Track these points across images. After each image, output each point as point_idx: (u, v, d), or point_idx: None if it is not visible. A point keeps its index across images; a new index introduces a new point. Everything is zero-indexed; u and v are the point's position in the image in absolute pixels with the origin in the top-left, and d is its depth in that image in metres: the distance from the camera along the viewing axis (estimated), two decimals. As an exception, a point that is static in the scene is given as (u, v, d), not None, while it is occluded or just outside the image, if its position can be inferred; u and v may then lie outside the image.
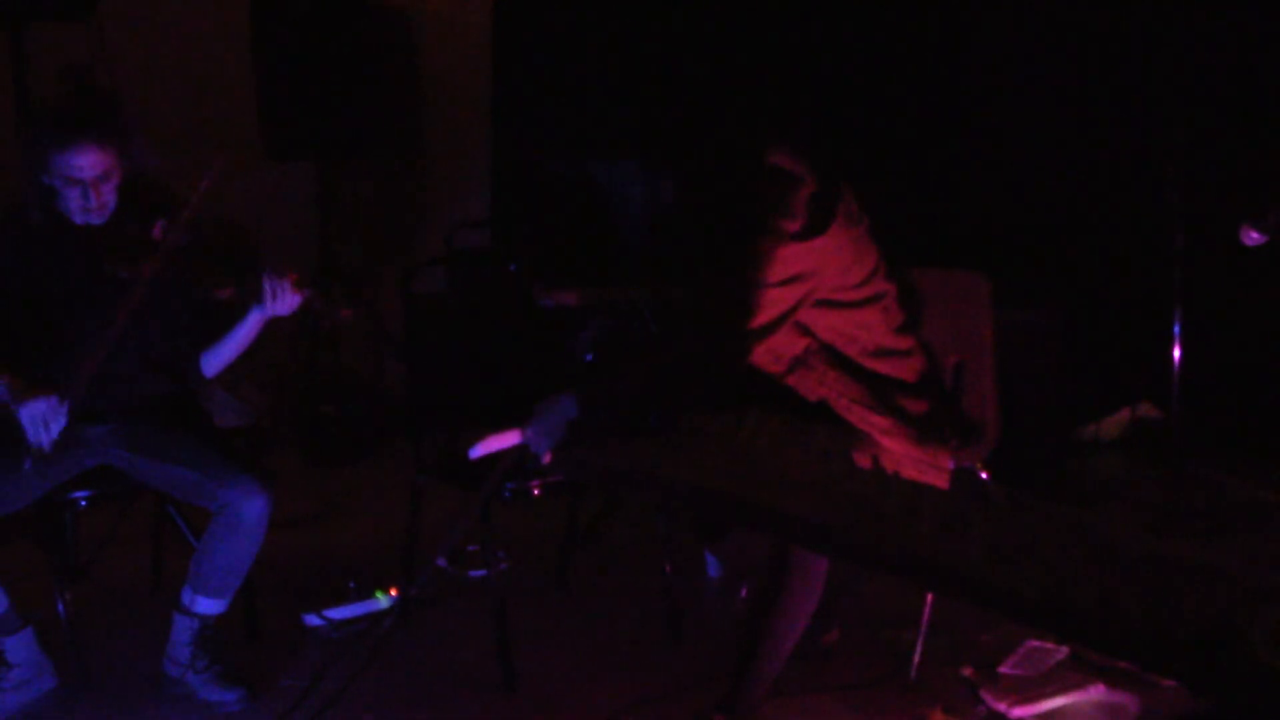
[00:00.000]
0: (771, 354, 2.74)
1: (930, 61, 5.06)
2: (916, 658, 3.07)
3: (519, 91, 5.75)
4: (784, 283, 2.60)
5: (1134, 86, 4.76)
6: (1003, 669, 3.07)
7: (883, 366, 2.75)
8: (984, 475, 3.07)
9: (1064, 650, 3.10)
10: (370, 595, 3.56)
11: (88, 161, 2.86)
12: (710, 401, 2.75)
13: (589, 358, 3.02)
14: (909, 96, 5.04)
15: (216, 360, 3.15)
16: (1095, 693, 2.92)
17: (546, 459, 2.58)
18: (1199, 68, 4.60)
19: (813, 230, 2.61)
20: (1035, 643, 3.14)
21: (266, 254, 2.96)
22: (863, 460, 2.56)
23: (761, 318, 2.60)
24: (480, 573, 3.79)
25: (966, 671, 3.07)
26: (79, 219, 2.96)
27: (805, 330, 2.72)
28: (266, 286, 2.88)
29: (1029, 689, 2.95)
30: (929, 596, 3.06)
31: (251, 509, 2.91)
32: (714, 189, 2.74)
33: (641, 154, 2.95)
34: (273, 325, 3.05)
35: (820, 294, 2.68)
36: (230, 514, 2.91)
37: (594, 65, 5.50)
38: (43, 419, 2.82)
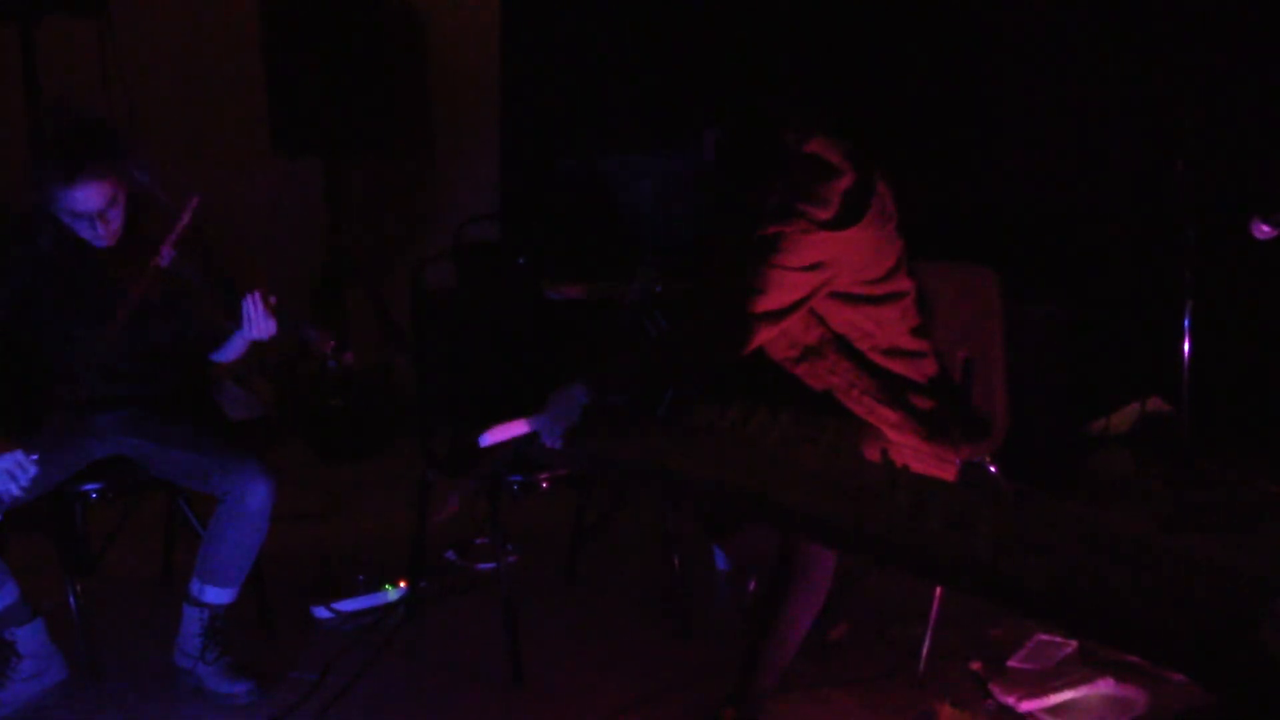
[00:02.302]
0: (786, 339, 2.74)
1: (940, 55, 5.05)
2: (925, 651, 3.06)
3: (528, 86, 5.75)
4: (805, 268, 2.61)
5: (1144, 80, 4.75)
6: (1011, 663, 3.06)
7: (895, 365, 2.76)
8: (993, 469, 3.07)
9: (1073, 644, 3.10)
10: (379, 588, 3.57)
11: (89, 195, 2.88)
12: (718, 388, 2.75)
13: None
14: (919, 90, 5.03)
15: (223, 357, 3.19)
16: (1104, 687, 2.92)
17: (559, 445, 2.59)
18: (1209, 62, 4.59)
19: (844, 221, 2.61)
20: (1044, 637, 3.13)
21: (252, 278, 2.99)
22: (871, 454, 2.56)
23: (774, 300, 2.61)
24: (489, 566, 3.80)
25: (975, 665, 3.07)
26: (93, 240, 2.99)
27: (820, 320, 2.72)
28: (245, 309, 2.89)
29: (1038, 683, 2.94)
30: (937, 590, 3.06)
31: (255, 496, 2.93)
32: (751, 173, 2.73)
33: (649, 141, 2.95)
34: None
35: (838, 286, 2.67)
36: (234, 501, 2.93)
37: (603, 59, 5.50)
38: (9, 473, 2.83)
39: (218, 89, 5.56)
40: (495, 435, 2.62)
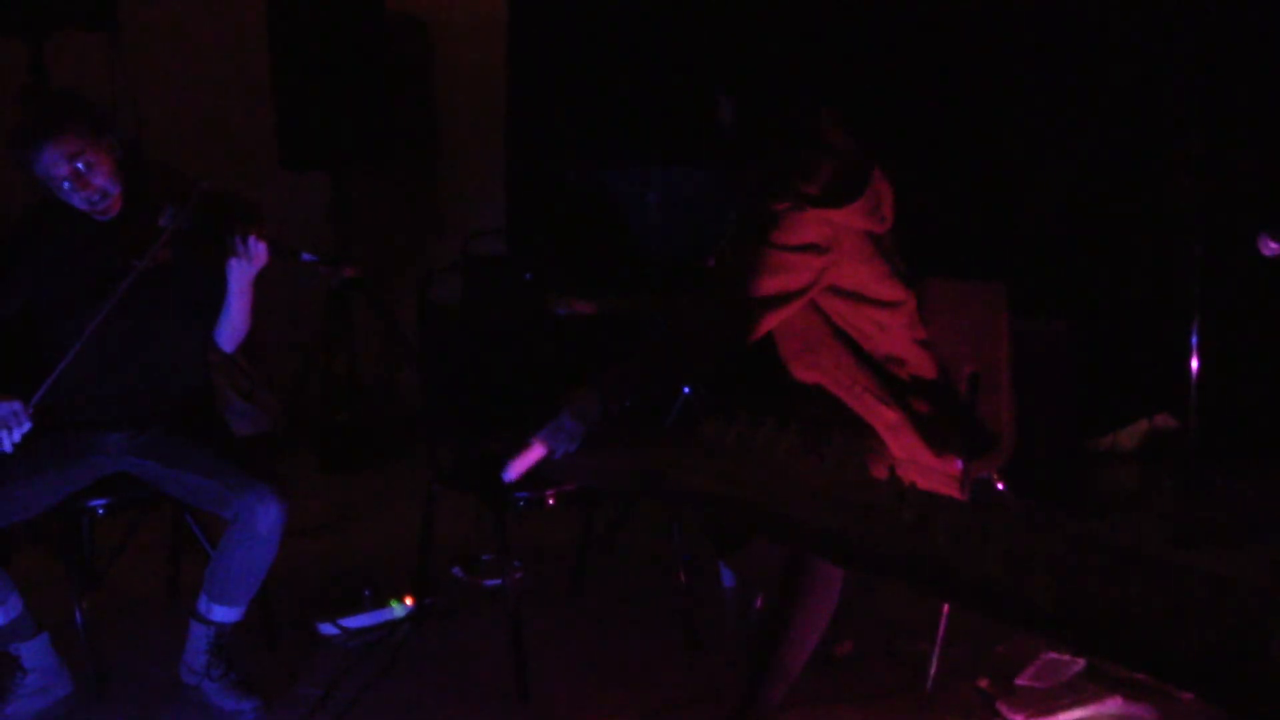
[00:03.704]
0: (789, 329, 2.73)
1: (945, 71, 5.06)
2: (932, 669, 3.05)
3: (534, 100, 5.76)
4: (799, 249, 2.59)
5: (1151, 96, 4.75)
6: (1019, 681, 3.05)
7: (894, 369, 2.75)
8: (1000, 485, 3.06)
9: (1081, 662, 3.08)
10: (385, 604, 3.56)
11: (57, 155, 2.91)
12: (725, 402, 2.74)
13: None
14: (925, 106, 5.04)
15: (227, 330, 3.16)
16: (1112, 705, 2.91)
17: (575, 446, 2.58)
18: (1216, 77, 4.59)
19: (833, 199, 2.60)
20: (1052, 654, 3.12)
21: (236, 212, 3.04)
22: (878, 471, 2.55)
23: (773, 284, 2.60)
24: (495, 582, 3.79)
25: (983, 683, 3.06)
26: (95, 216, 3.01)
27: (826, 319, 2.72)
28: (237, 242, 2.96)
29: (1046, 701, 2.93)
30: (945, 607, 3.05)
31: (266, 517, 2.92)
32: (762, 146, 2.72)
33: (654, 155, 2.94)
34: (289, 335, 3.07)
35: (839, 280, 2.67)
36: (245, 522, 2.92)
37: (609, 74, 5.51)
38: (3, 421, 2.80)
39: (225, 103, 5.58)
40: (518, 469, 2.61)
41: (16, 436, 2.81)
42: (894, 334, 2.75)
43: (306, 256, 3.05)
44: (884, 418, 2.74)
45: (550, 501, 3.19)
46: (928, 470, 2.74)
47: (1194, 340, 4.02)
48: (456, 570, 3.91)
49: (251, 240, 2.97)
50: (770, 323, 2.65)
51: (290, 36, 5.14)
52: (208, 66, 5.58)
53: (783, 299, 2.62)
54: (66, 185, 2.94)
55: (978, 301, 3.16)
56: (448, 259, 5.50)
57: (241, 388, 3.48)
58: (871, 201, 2.66)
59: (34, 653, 2.99)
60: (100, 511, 3.12)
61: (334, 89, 5.12)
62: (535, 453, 2.59)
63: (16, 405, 2.80)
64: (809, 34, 5.05)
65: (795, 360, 2.80)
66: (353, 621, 3.51)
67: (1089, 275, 4.88)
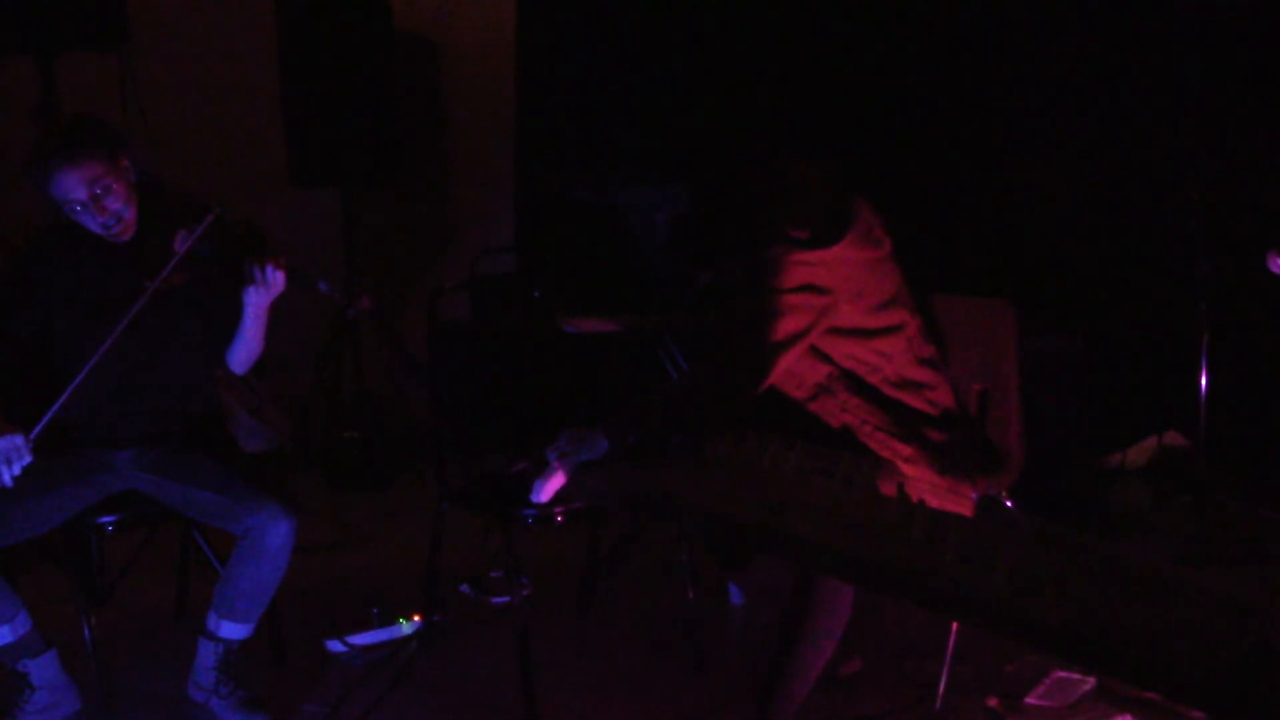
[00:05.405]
0: (794, 380, 2.74)
1: (954, 87, 5.07)
2: (941, 688, 3.04)
3: (543, 118, 5.78)
4: (799, 290, 2.62)
5: (1160, 113, 4.75)
6: (1029, 700, 3.04)
7: (906, 397, 2.75)
8: (1009, 503, 3.05)
9: (1091, 681, 3.07)
10: (393, 621, 3.56)
11: (74, 181, 2.90)
12: (734, 424, 2.75)
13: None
14: (934, 122, 5.04)
15: (239, 354, 3.15)
16: (1123, 724, 2.90)
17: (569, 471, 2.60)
18: (1226, 94, 4.59)
19: (822, 240, 2.63)
20: (1062, 673, 3.11)
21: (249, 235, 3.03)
22: (887, 488, 2.55)
23: (782, 327, 2.62)
24: (503, 599, 3.79)
25: (992, 702, 3.05)
26: (108, 238, 3.01)
27: (826, 358, 2.72)
28: (255, 271, 2.95)
29: (1055, 720, 2.92)
30: (954, 626, 3.04)
31: (276, 534, 2.92)
32: (732, 200, 2.76)
33: (662, 174, 2.98)
34: (297, 352, 3.07)
35: (837, 319, 2.68)
36: (255, 539, 2.92)
37: (618, 93, 5.53)
38: (4, 456, 2.75)
39: (235, 120, 5.60)
40: (550, 490, 2.62)
41: (16, 470, 2.77)
42: (898, 358, 2.75)
43: (323, 287, 3.03)
44: (900, 453, 2.74)
45: (558, 519, 3.19)
46: (938, 489, 2.73)
47: (1203, 357, 4.01)
48: (464, 588, 3.90)
49: (270, 269, 2.95)
50: (784, 364, 2.67)
51: (301, 55, 5.17)
52: (218, 85, 5.60)
53: (792, 340, 2.65)
54: (80, 209, 2.94)
55: (986, 318, 3.16)
56: (456, 276, 5.51)
57: (249, 405, 3.48)
58: (863, 228, 2.68)
59: (42, 669, 2.99)
60: (109, 528, 3.13)
61: (344, 107, 5.14)
62: (559, 475, 2.61)
63: (18, 439, 2.77)
64: (810, 45, 5.06)
65: (807, 407, 2.80)
66: (361, 639, 3.51)
67: (1097, 292, 4.88)
